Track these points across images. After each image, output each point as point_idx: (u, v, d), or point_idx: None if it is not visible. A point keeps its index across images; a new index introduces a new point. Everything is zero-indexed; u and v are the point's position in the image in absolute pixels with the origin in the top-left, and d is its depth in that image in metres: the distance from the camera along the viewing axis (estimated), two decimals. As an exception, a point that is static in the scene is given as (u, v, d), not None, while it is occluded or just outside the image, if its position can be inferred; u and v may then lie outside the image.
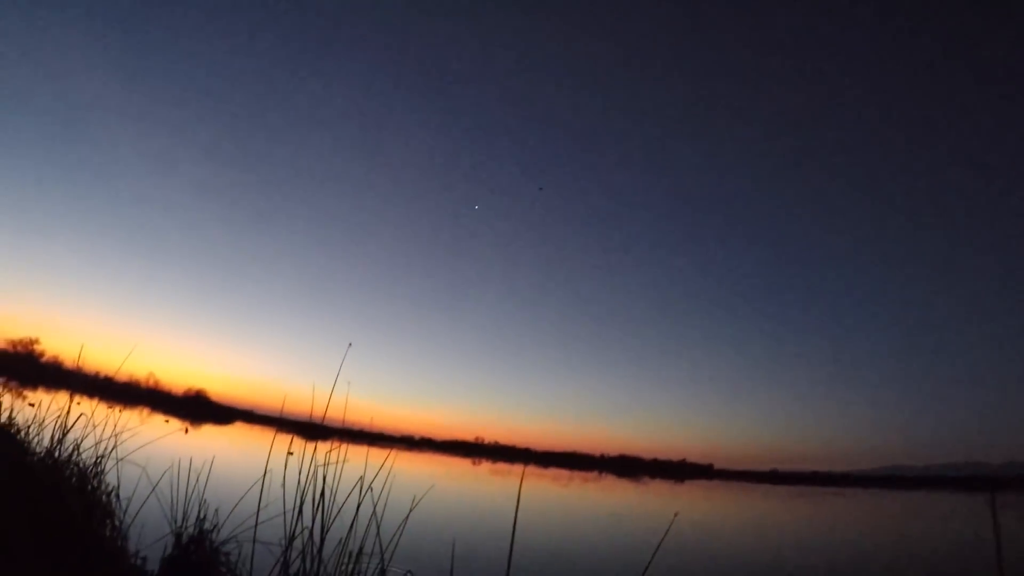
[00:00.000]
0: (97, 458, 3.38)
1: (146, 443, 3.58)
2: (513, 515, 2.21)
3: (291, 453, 2.80)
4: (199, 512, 3.08)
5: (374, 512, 2.55)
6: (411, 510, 2.58)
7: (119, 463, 3.42)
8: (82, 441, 3.43)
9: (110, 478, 3.36)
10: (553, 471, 52.24)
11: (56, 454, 3.39)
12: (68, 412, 3.45)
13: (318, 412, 2.66)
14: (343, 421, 2.76)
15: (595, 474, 55.65)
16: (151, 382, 62.77)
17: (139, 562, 3.28)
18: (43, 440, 3.42)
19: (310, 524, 2.61)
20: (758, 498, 32.07)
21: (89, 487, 3.31)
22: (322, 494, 2.62)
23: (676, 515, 17.04)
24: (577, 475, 46.58)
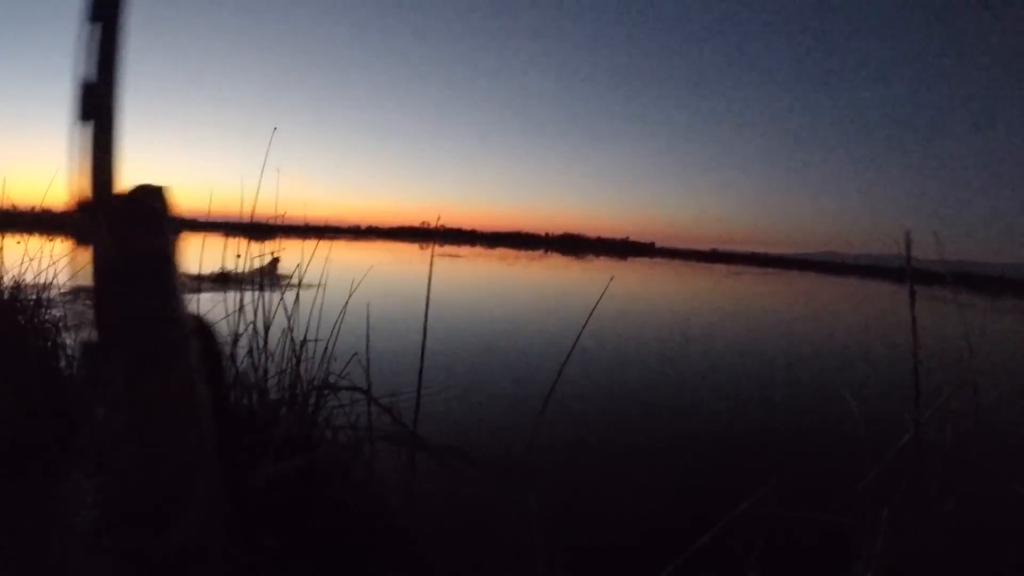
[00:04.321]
0: (39, 292, 3.31)
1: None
2: (431, 293, 2.22)
3: (239, 256, 2.75)
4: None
5: (314, 300, 2.55)
6: (351, 294, 2.58)
7: (62, 293, 3.36)
8: (22, 277, 3.34)
9: (55, 309, 3.32)
10: (499, 251, 54.12)
11: (-2, 295, 3.31)
12: (2, 252, 3.33)
13: (257, 210, 2.58)
14: (283, 216, 2.70)
15: (540, 253, 57.37)
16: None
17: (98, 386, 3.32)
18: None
19: (252, 319, 2.61)
20: (696, 274, 33.83)
21: (36, 320, 3.27)
22: (260, 288, 2.60)
23: (612, 279, 18.37)
24: (523, 254, 48.30)
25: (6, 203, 3.42)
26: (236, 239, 2.84)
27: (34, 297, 3.29)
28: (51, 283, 3.33)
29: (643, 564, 2.36)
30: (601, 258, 55.20)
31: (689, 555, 1.88)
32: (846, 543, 1.97)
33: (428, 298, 2.19)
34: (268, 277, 2.64)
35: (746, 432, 3.89)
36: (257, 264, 2.78)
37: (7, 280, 3.30)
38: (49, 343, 3.28)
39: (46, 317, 3.29)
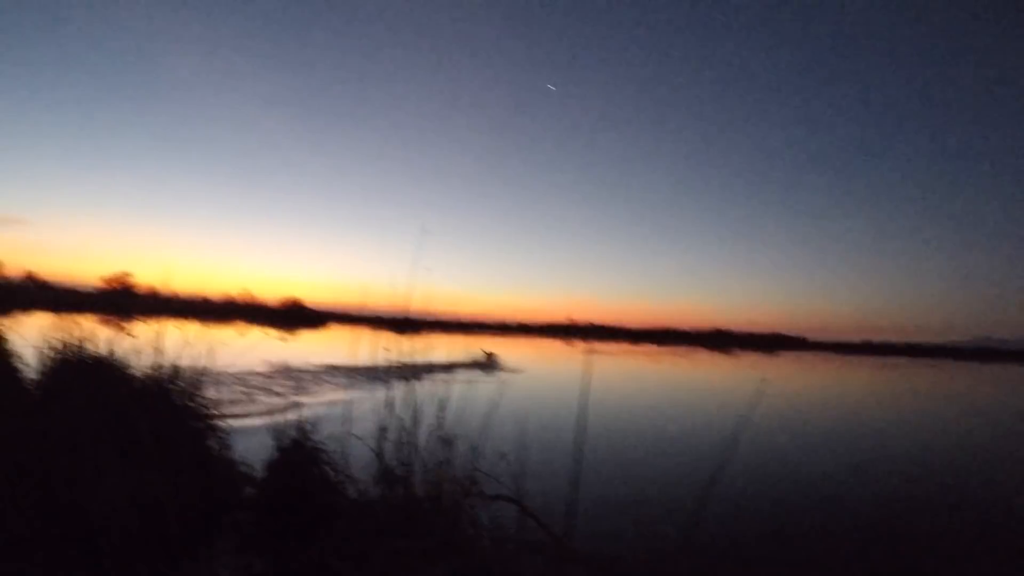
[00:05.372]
0: (196, 376, 3.59)
1: (242, 356, 3.79)
2: (587, 393, 2.23)
3: (388, 350, 2.90)
4: (297, 414, 3.25)
5: (464, 398, 2.62)
6: (501, 395, 2.64)
7: (217, 377, 3.63)
8: (180, 362, 3.64)
9: (209, 392, 3.58)
10: (645, 347, 53.11)
11: (157, 376, 3.63)
12: (163, 336, 3.65)
13: (406, 305, 2.72)
14: (432, 313, 2.83)
15: (686, 349, 55.67)
16: (247, 298, 66.34)
17: (246, 468, 3.53)
18: (143, 366, 3.65)
19: (402, 415, 2.71)
20: (848, 369, 31.55)
21: (190, 403, 3.54)
22: (412, 385, 2.71)
23: (763, 381, 17.28)
24: (669, 350, 46.97)
25: (169, 291, 3.79)
26: (385, 333, 3.00)
27: (190, 380, 3.58)
28: (206, 367, 3.62)
29: None
30: (748, 353, 54.16)
31: None
32: None
33: (586, 408, 2.21)
34: (486, 369, 2.75)
35: (914, 546, 3.57)
36: (476, 357, 2.91)
37: (166, 364, 3.62)
38: (202, 424, 3.54)
39: (200, 399, 3.57)
